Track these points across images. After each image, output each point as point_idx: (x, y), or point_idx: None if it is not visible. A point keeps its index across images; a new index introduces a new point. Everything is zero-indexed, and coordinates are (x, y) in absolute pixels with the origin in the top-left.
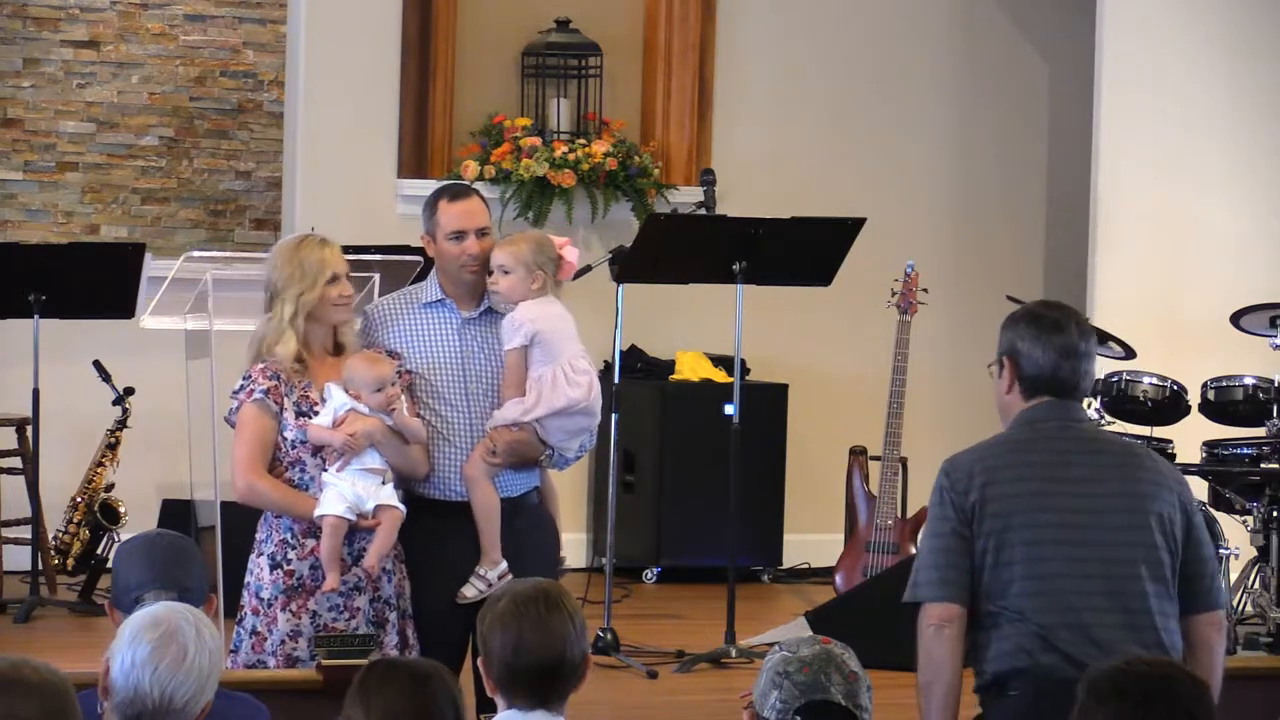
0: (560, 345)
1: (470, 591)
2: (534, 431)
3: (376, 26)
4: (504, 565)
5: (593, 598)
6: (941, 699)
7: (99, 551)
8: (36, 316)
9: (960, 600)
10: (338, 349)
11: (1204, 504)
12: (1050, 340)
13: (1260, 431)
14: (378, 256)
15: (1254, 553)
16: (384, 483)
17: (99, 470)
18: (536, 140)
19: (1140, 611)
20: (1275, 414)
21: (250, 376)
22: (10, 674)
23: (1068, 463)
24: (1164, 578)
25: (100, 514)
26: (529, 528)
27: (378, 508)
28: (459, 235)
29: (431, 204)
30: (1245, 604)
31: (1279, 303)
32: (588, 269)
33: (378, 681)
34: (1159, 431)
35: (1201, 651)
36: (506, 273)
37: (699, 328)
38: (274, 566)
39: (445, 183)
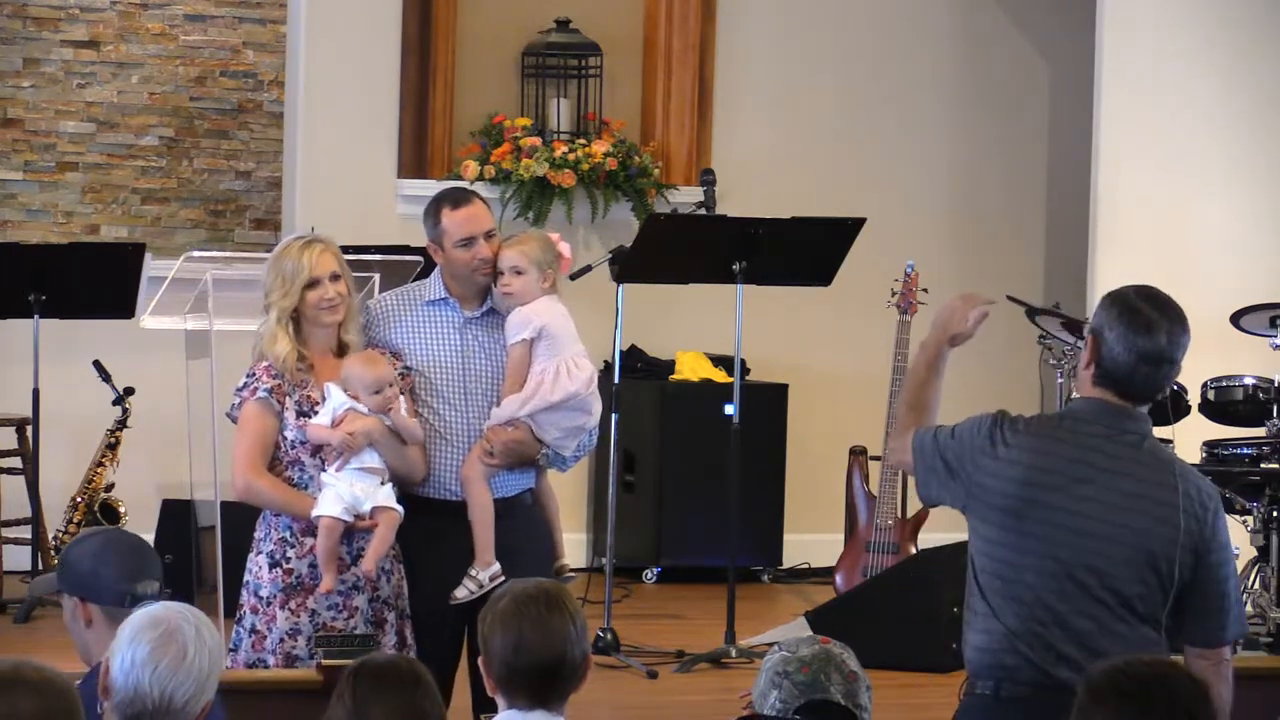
0: (565, 342)
1: (462, 592)
2: (530, 430)
3: (376, 27)
4: (496, 567)
5: (593, 598)
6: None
7: None
8: (36, 316)
9: (929, 495)
10: (342, 349)
11: None
12: (1135, 342)
13: (1260, 431)
14: (378, 256)
15: (1254, 553)
16: (382, 483)
17: (99, 470)
18: (536, 140)
19: (1118, 636)
20: (1275, 414)
21: (255, 374)
22: (11, 674)
23: (1091, 479)
24: (1138, 610)
25: (100, 514)
26: (521, 528)
27: (375, 509)
28: (468, 242)
29: (433, 213)
30: (1245, 604)
31: (1279, 303)
32: (588, 269)
33: (371, 687)
34: (1159, 432)
35: None
36: (520, 273)
37: (699, 328)
38: (273, 565)
39: (442, 188)
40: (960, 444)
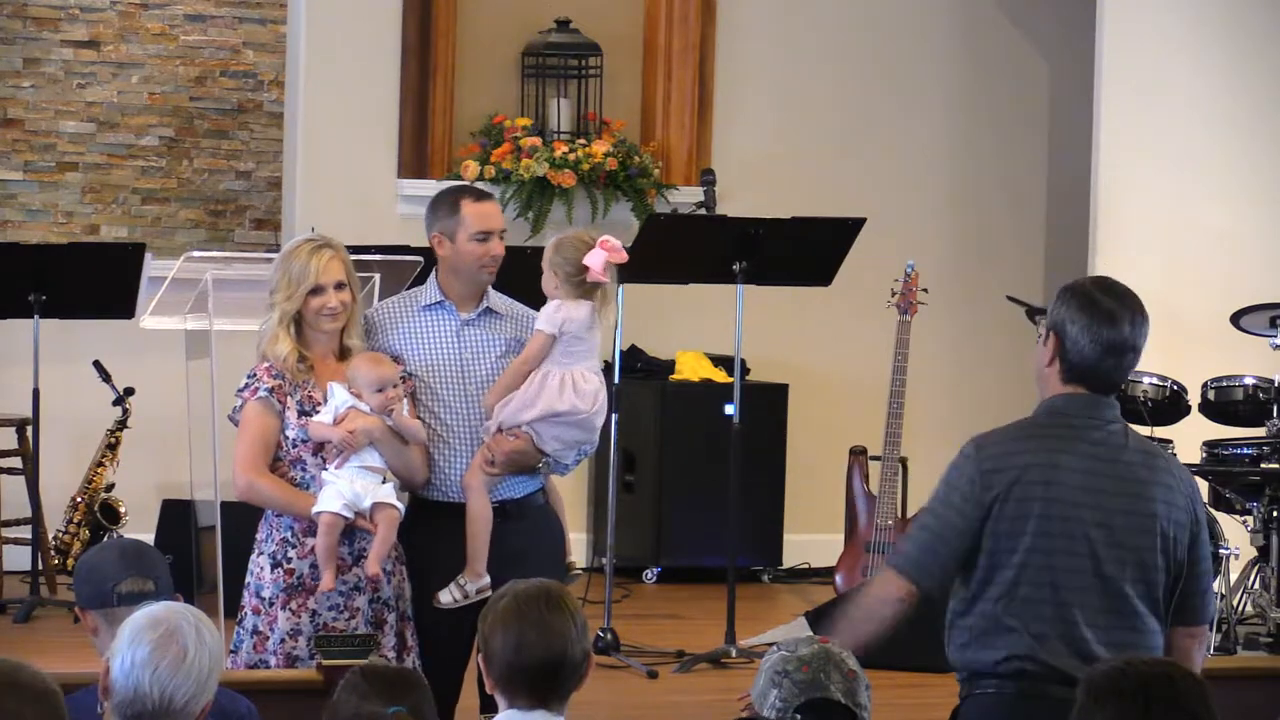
0: (581, 352)
1: (446, 598)
2: (530, 440)
3: (376, 26)
4: (486, 580)
5: (593, 598)
6: (856, 633)
7: None
8: (36, 316)
9: (928, 587)
10: (344, 352)
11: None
12: (1099, 332)
13: (1260, 431)
14: (378, 257)
15: (1254, 553)
16: (383, 481)
17: (99, 470)
18: (537, 140)
19: (1136, 630)
20: (1275, 414)
21: (255, 374)
22: (12, 675)
23: (1092, 470)
24: (1157, 599)
25: (100, 514)
26: (534, 528)
27: (375, 506)
28: (485, 236)
29: (452, 203)
30: (1245, 604)
31: (1279, 303)
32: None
33: (375, 692)
34: (1159, 431)
35: (1179, 660)
36: (543, 273)
37: (699, 328)
38: (275, 565)
39: (455, 184)
40: (952, 498)
